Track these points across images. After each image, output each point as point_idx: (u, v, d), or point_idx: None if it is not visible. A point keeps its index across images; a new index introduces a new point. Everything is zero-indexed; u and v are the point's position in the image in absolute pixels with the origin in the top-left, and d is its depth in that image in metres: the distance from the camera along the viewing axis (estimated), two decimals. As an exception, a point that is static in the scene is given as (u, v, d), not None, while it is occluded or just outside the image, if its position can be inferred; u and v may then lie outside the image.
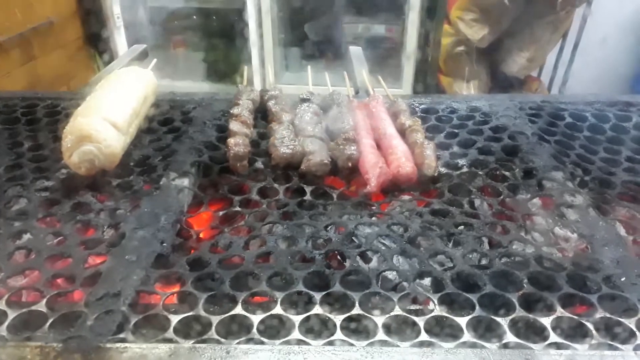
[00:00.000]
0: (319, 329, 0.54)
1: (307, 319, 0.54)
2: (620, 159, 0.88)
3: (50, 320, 0.54)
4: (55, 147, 0.87)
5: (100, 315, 0.54)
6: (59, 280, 0.62)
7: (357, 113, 0.95)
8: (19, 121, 0.98)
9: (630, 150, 0.90)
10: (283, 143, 0.84)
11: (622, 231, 0.72)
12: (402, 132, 0.90)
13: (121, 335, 0.53)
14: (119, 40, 2.70)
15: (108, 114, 0.82)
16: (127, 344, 0.51)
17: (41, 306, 0.56)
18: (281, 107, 0.95)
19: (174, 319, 0.54)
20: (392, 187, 0.80)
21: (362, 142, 0.86)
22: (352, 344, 0.51)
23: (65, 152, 0.78)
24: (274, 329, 0.54)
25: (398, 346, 0.51)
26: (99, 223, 0.72)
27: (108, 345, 0.51)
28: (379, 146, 0.87)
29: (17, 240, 0.68)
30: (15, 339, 0.53)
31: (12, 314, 0.55)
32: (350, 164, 0.82)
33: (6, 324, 0.54)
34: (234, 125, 0.88)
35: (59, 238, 0.69)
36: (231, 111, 0.93)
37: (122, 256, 0.63)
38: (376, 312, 0.55)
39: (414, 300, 0.59)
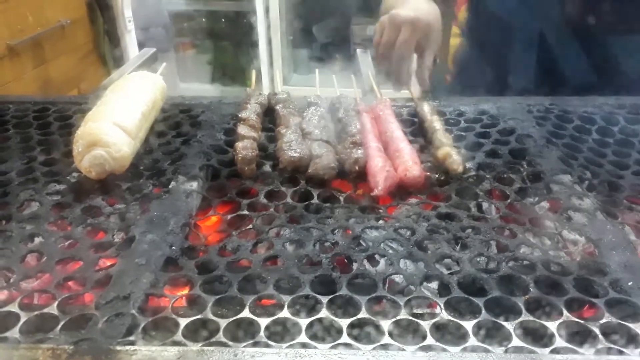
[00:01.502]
0: (325, 332, 0.54)
1: (314, 322, 0.55)
2: (629, 162, 0.87)
3: (62, 323, 0.55)
4: (66, 151, 0.88)
5: (111, 318, 0.55)
6: (70, 283, 0.63)
7: (364, 116, 0.96)
8: (31, 125, 1.00)
9: (639, 153, 0.90)
10: (290, 147, 0.85)
11: (632, 235, 0.71)
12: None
13: (131, 338, 0.53)
14: (130, 43, 2.73)
15: (118, 118, 0.83)
16: (136, 347, 0.51)
17: (53, 309, 0.57)
18: (289, 111, 0.96)
19: (183, 322, 0.55)
20: (399, 191, 0.81)
21: (369, 145, 0.86)
22: (358, 348, 0.52)
23: (76, 156, 0.79)
24: (281, 333, 0.54)
25: (404, 350, 0.51)
26: (109, 226, 0.73)
27: (118, 347, 0.51)
28: (386, 149, 0.87)
29: (29, 244, 0.70)
30: (28, 341, 0.54)
31: (24, 317, 0.56)
32: (357, 168, 0.82)
33: (19, 326, 0.55)
34: (242, 129, 0.89)
35: (70, 241, 0.70)
36: (239, 115, 0.94)
37: (132, 259, 0.64)
38: (382, 316, 0.56)
39: (420, 304, 0.59)
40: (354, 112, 0.96)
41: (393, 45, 0.95)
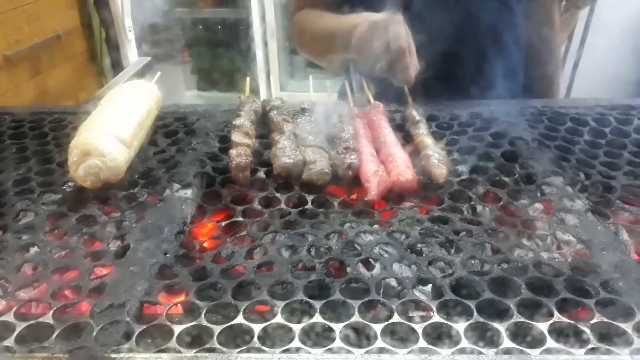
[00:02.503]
0: (318, 337, 0.55)
1: (307, 327, 0.55)
2: (621, 163, 0.88)
3: (57, 332, 0.56)
4: (61, 161, 0.89)
5: (105, 326, 0.56)
6: (66, 292, 0.64)
7: (357, 121, 0.96)
8: (27, 136, 1.00)
9: (631, 154, 0.90)
10: (284, 153, 0.85)
11: (625, 235, 0.72)
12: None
13: (125, 346, 0.54)
14: (131, 52, 2.73)
15: (113, 128, 0.83)
16: (131, 354, 0.52)
17: (48, 318, 0.58)
18: (283, 117, 0.97)
19: (177, 328, 0.55)
20: (393, 195, 0.81)
21: (362, 150, 0.87)
22: (350, 352, 0.52)
23: (71, 166, 0.80)
24: (275, 338, 0.55)
25: (396, 353, 0.52)
26: (104, 235, 0.73)
27: (113, 355, 0.52)
28: (378, 154, 0.88)
29: (25, 254, 0.70)
30: (23, 350, 0.54)
31: (20, 326, 0.57)
32: (350, 173, 0.83)
33: (14, 335, 0.56)
34: (236, 136, 0.89)
35: (66, 251, 0.71)
36: (233, 122, 0.94)
37: (127, 267, 0.64)
38: (375, 319, 0.56)
39: (413, 307, 0.59)
40: (347, 117, 0.96)
41: (389, 44, 0.96)
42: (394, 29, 0.96)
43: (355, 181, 0.84)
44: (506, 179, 0.84)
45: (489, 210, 0.77)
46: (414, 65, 0.98)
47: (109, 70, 2.56)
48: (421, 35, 1.00)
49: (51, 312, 0.58)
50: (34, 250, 0.70)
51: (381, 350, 0.52)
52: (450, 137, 0.97)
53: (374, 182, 0.79)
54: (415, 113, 0.98)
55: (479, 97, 1.12)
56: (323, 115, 0.99)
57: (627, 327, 0.54)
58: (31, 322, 0.57)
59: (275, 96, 1.08)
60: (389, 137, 0.90)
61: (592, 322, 0.55)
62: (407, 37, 0.97)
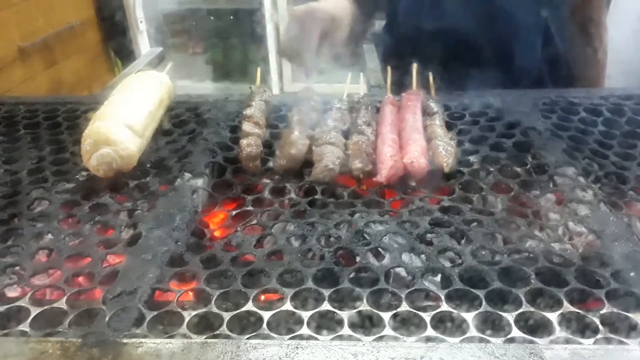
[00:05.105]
0: (327, 324, 0.55)
1: (316, 315, 0.56)
2: (635, 154, 0.87)
3: (70, 317, 0.57)
4: (75, 151, 0.90)
5: (117, 312, 0.57)
6: (79, 279, 0.65)
7: (388, 108, 0.96)
8: (41, 125, 1.01)
9: (646, 144, 0.89)
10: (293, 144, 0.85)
11: (638, 226, 0.71)
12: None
13: (137, 331, 0.55)
14: (142, 43, 2.74)
15: (125, 117, 0.84)
16: (142, 339, 0.53)
17: (62, 303, 0.59)
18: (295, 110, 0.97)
19: (187, 315, 0.56)
20: (404, 184, 0.81)
21: (385, 135, 0.87)
22: (359, 339, 0.52)
23: (84, 155, 0.81)
24: (284, 325, 0.55)
25: (404, 341, 0.52)
26: (117, 223, 0.74)
27: (124, 340, 0.53)
28: (400, 139, 0.87)
29: (39, 241, 0.71)
30: (38, 334, 0.55)
31: (34, 311, 0.58)
32: (361, 176, 0.82)
33: (29, 320, 0.57)
34: (246, 126, 0.90)
35: (79, 238, 0.72)
36: (244, 112, 0.95)
37: (139, 255, 0.65)
38: (383, 308, 0.56)
39: (422, 297, 0.59)
40: (368, 108, 0.96)
41: (298, 38, 0.97)
42: (306, 26, 0.97)
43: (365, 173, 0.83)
44: (518, 169, 0.84)
45: (500, 201, 0.77)
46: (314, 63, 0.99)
47: (121, 61, 2.57)
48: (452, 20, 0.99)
49: (65, 298, 0.59)
50: (48, 237, 0.72)
51: (389, 338, 0.52)
52: (462, 127, 0.96)
53: (387, 165, 0.79)
54: (433, 104, 0.97)
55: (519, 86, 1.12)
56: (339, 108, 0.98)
57: (637, 318, 0.53)
58: (45, 307, 0.58)
59: (287, 87, 1.08)
60: (411, 122, 0.90)
61: (601, 312, 0.54)
62: (313, 36, 0.97)
